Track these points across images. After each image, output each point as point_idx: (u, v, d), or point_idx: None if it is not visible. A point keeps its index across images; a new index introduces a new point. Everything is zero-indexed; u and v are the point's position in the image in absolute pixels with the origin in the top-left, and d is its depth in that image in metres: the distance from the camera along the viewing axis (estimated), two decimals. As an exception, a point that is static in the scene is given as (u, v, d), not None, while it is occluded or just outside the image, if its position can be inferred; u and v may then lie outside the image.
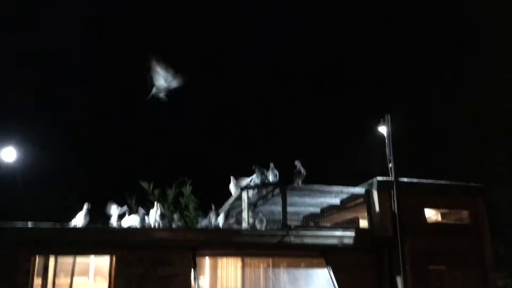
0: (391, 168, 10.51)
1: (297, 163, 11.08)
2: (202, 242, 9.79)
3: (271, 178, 10.90)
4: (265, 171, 11.00)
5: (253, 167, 11.06)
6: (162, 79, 10.65)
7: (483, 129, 21.58)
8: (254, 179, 11.09)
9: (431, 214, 11.56)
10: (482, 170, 19.52)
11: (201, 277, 11.35)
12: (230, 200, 12.07)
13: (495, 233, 15.89)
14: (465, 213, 11.24)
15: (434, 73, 24.69)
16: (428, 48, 25.76)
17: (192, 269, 9.37)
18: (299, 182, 10.90)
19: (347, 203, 11.92)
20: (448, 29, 25.12)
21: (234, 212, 12.47)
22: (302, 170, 11.04)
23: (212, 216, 10.74)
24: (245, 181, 11.28)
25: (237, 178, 11.60)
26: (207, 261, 11.58)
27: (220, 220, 10.70)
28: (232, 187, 11.74)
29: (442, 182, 11.30)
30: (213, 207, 11.00)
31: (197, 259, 9.64)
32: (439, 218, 11.65)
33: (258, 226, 10.51)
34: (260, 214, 10.80)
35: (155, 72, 10.67)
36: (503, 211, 19.07)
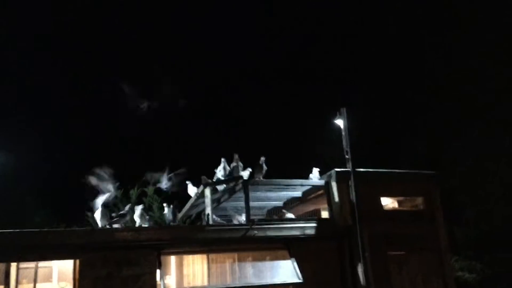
0: (348, 159, 10.85)
1: (262, 159, 11.36)
2: (167, 240, 9.81)
3: (235, 172, 11.10)
4: (226, 165, 11.19)
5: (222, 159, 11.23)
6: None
7: (439, 118, 22.47)
8: (217, 173, 11.25)
9: (388, 202, 12.02)
10: (437, 157, 20.34)
11: (167, 276, 11.39)
12: (193, 198, 12.16)
13: (451, 217, 16.69)
14: (419, 200, 11.73)
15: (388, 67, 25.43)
16: (383, 42, 26.52)
17: (158, 269, 9.43)
18: (260, 177, 11.13)
19: (308, 196, 12.23)
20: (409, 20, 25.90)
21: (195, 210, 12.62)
22: (264, 166, 11.30)
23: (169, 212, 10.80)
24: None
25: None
26: (172, 259, 11.63)
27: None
28: (191, 190, 11.87)
29: (397, 170, 11.76)
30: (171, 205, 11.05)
31: (163, 258, 9.70)
32: (396, 205, 12.11)
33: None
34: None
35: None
36: (458, 196, 19.94)
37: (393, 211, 11.88)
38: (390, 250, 10.88)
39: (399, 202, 12.12)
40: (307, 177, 11.72)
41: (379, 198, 11.30)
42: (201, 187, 11.42)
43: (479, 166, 20.11)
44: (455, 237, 18.15)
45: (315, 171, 11.68)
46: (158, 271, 9.41)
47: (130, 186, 16.03)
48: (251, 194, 11.07)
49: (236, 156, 11.32)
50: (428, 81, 23.76)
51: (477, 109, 21.09)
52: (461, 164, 20.43)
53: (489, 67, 21.28)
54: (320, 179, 11.48)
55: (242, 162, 11.43)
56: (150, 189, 16.01)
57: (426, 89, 23.69)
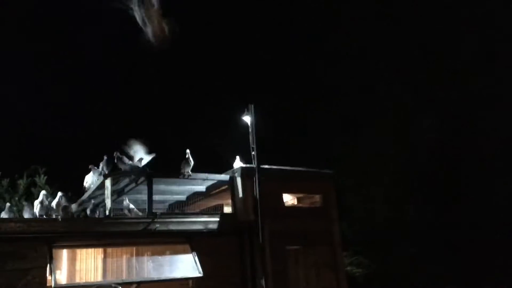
0: (253, 155, 11.01)
1: (187, 152, 11.12)
2: (60, 233, 9.19)
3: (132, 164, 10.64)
4: (125, 158, 10.70)
5: (115, 153, 10.67)
6: None
7: (334, 122, 23.84)
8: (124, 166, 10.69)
9: (289, 199, 12.45)
10: (334, 158, 21.53)
11: (58, 271, 10.64)
12: (92, 189, 11.51)
13: (343, 215, 17.77)
14: (317, 197, 12.31)
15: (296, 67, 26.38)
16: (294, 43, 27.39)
17: (48, 263, 8.78)
18: (188, 171, 10.92)
19: (212, 190, 12.23)
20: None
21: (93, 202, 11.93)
22: (191, 159, 11.09)
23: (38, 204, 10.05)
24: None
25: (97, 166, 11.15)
26: (65, 253, 10.89)
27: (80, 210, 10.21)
28: (89, 177, 11.25)
29: (299, 168, 12.22)
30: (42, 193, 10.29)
31: (54, 252, 9.05)
32: (296, 202, 12.59)
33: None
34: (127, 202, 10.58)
35: None
36: (349, 196, 21.33)
37: (293, 208, 12.34)
38: (288, 244, 11.28)
39: (299, 199, 12.61)
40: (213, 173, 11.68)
41: (281, 195, 11.66)
42: (101, 177, 10.84)
43: (367, 168, 21.73)
44: (345, 233, 19.36)
45: (238, 159, 11.69)
46: (48, 265, 8.75)
47: (18, 175, 14.69)
48: (154, 188, 10.77)
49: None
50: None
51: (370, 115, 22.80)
52: (351, 166, 21.86)
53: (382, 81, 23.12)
54: (225, 174, 11.53)
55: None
56: (41, 179, 14.81)
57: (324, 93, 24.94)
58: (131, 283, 9.66)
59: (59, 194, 9.99)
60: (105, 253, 10.25)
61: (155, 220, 10.06)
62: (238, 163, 11.64)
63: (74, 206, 10.27)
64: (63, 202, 9.91)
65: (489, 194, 19.66)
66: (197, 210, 13.11)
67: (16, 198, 13.77)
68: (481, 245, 18.50)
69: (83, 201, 12.03)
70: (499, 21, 21.26)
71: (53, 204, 9.79)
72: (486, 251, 18.19)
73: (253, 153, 11.11)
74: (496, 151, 20.23)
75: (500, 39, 21.15)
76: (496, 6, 21.33)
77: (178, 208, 13.03)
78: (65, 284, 10.14)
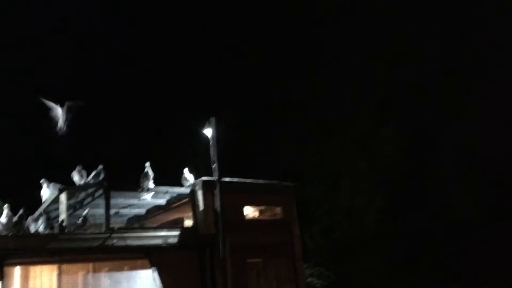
0: (214, 168, 10.95)
1: (146, 165, 10.97)
2: (12, 250, 8.84)
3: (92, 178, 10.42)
4: (83, 172, 10.46)
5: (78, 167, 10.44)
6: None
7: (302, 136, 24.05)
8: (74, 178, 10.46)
9: (250, 211, 12.43)
10: (298, 171, 21.68)
11: (10, 289, 10.21)
12: (46, 203, 11.13)
13: (307, 227, 17.88)
14: (278, 210, 12.34)
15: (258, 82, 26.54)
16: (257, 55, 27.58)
17: (-1, 281, 8.43)
18: (148, 184, 10.75)
19: (172, 204, 12.06)
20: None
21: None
22: (150, 172, 10.92)
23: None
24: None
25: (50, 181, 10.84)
26: (17, 270, 10.46)
27: (40, 225, 9.87)
28: (45, 191, 10.93)
29: (260, 181, 12.24)
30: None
31: (6, 269, 8.76)
32: (257, 214, 12.57)
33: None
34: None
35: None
36: (314, 208, 21.51)
37: (254, 220, 12.31)
38: (249, 257, 11.23)
39: (260, 211, 12.61)
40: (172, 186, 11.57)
41: (243, 208, 11.63)
42: (56, 191, 10.51)
43: (333, 183, 22.02)
44: (306, 245, 19.46)
45: (186, 171, 11.60)
46: (-1, 284, 8.40)
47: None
48: (112, 201, 10.56)
49: (100, 167, 10.60)
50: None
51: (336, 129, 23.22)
52: (314, 180, 22.08)
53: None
54: (186, 187, 11.42)
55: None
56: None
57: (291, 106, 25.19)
58: (87, 301, 9.37)
59: (6, 207, 9.64)
60: (59, 269, 9.90)
61: (113, 235, 9.82)
62: (187, 177, 11.57)
63: (40, 222, 9.92)
64: (15, 218, 9.57)
65: (448, 203, 20.33)
66: (158, 224, 12.92)
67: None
68: (443, 252, 19.11)
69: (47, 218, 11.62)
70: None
71: (2, 219, 9.41)
72: (450, 259, 18.80)
73: (214, 165, 11.05)
74: (453, 161, 21.00)
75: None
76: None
77: (138, 222, 12.81)
78: (16, 302, 9.75)
